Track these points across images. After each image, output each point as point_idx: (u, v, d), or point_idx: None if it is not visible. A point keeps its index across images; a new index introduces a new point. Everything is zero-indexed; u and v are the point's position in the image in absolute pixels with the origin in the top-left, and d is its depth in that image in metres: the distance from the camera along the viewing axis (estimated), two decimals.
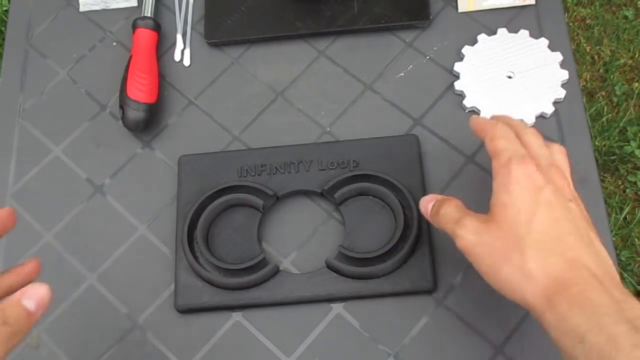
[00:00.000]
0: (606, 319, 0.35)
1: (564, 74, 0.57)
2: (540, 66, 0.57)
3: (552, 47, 0.58)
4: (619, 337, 0.34)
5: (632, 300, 0.37)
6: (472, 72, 0.58)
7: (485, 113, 0.56)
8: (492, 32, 0.60)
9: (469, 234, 0.41)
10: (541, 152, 0.43)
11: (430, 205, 0.46)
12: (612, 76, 1.43)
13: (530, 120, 0.56)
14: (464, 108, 0.57)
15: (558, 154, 0.45)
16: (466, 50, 0.59)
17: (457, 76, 0.59)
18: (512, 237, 0.39)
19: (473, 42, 0.59)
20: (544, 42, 0.58)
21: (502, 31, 0.59)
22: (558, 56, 0.57)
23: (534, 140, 0.44)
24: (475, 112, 0.57)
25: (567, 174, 0.44)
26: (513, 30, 0.59)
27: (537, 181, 0.40)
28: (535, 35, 0.59)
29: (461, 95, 0.58)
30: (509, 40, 0.59)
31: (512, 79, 0.57)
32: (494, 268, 0.40)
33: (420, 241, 0.52)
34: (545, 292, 0.38)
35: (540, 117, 0.56)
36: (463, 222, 0.42)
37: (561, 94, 0.56)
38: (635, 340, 0.34)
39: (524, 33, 0.59)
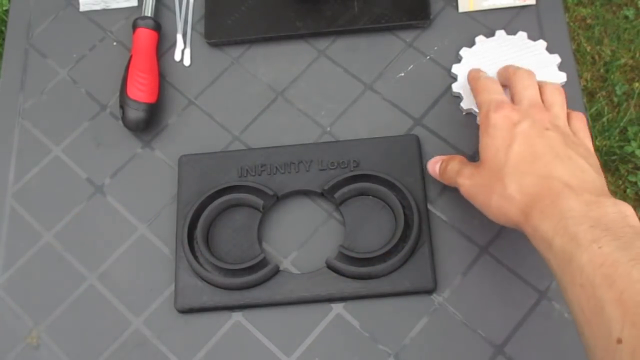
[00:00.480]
0: (570, 221, 0.38)
1: (562, 77, 0.56)
2: (539, 69, 0.56)
3: (550, 49, 0.57)
4: (579, 235, 0.37)
5: (603, 200, 0.39)
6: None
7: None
8: (490, 33, 0.60)
9: (466, 179, 0.47)
10: (525, 93, 0.47)
11: (437, 166, 0.52)
12: (612, 76, 1.43)
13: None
14: (461, 110, 0.57)
15: (550, 91, 0.48)
16: (464, 52, 0.59)
17: (454, 78, 0.58)
18: (495, 171, 0.44)
19: (471, 43, 0.59)
20: (542, 44, 0.58)
21: (500, 33, 0.59)
22: (556, 58, 0.57)
23: (520, 81, 0.48)
24: (472, 114, 0.57)
25: (558, 107, 0.47)
26: (512, 31, 0.59)
27: (513, 119, 0.45)
28: (534, 36, 0.59)
29: (459, 97, 0.58)
30: (507, 42, 0.58)
31: None
32: (486, 202, 0.45)
33: (420, 241, 0.52)
34: (523, 209, 0.42)
35: None
36: (462, 172, 0.48)
37: None
38: (594, 236, 0.36)
39: (522, 35, 0.58)
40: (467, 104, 0.57)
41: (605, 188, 0.42)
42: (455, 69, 0.58)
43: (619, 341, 0.32)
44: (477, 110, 0.56)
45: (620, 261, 0.34)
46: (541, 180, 0.42)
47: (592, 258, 0.35)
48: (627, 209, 0.38)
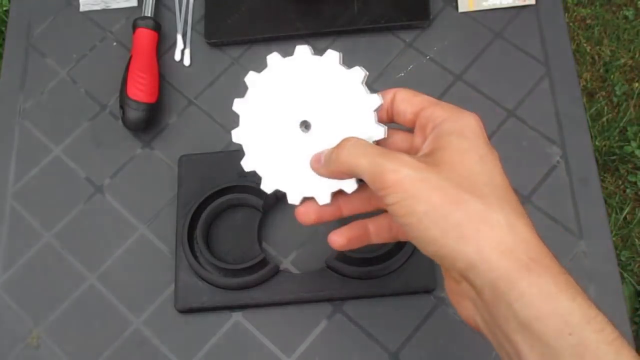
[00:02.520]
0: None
1: (375, 100, 0.37)
2: (340, 98, 0.37)
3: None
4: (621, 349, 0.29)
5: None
6: (255, 117, 0.39)
7: (267, 185, 0.39)
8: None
9: (405, 168, 0.32)
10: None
11: (321, 157, 0.37)
12: (612, 76, 1.43)
13: (323, 199, 0.38)
14: (241, 174, 0.44)
15: None
16: (251, 79, 0.40)
17: (235, 121, 0.40)
18: (470, 183, 0.32)
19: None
20: (358, 74, 0.37)
21: (302, 50, 0.39)
22: (376, 100, 0.37)
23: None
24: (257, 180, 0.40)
25: None
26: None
27: (485, 136, 0.35)
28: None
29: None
30: (309, 68, 0.38)
31: (308, 132, 0.38)
32: (441, 210, 0.31)
33: None
34: (518, 255, 0.30)
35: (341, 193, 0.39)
36: (394, 155, 0.33)
37: (380, 132, 0.37)
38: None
39: (332, 56, 0.38)
40: (248, 164, 0.39)
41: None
42: (237, 105, 0.40)
43: None
44: (283, 190, 0.39)
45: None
46: (532, 234, 0.33)
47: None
48: None
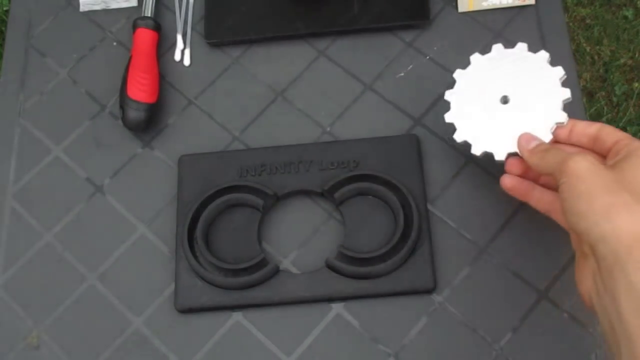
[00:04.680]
0: None
1: (566, 93, 0.48)
2: (539, 86, 0.49)
3: (553, 61, 0.50)
4: None
5: None
6: (463, 101, 0.51)
7: (477, 149, 0.50)
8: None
9: (587, 161, 0.40)
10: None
11: (533, 143, 0.46)
12: (612, 76, 1.43)
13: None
14: (452, 142, 0.51)
15: None
16: (458, 75, 0.52)
17: (449, 107, 0.52)
18: (632, 187, 0.38)
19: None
20: (543, 56, 0.50)
21: (497, 47, 0.52)
22: (560, 72, 0.49)
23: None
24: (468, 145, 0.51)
25: None
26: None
27: None
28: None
29: (452, 127, 0.51)
30: (504, 57, 0.51)
31: (507, 104, 0.50)
32: (598, 192, 0.38)
33: (420, 241, 0.52)
34: (636, 236, 0.36)
35: None
36: (583, 153, 0.41)
37: (562, 117, 0.48)
38: None
39: (521, 47, 0.51)
40: (460, 136, 0.50)
41: None
42: (448, 95, 0.52)
43: None
44: (471, 142, 0.50)
45: None
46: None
47: None
48: None
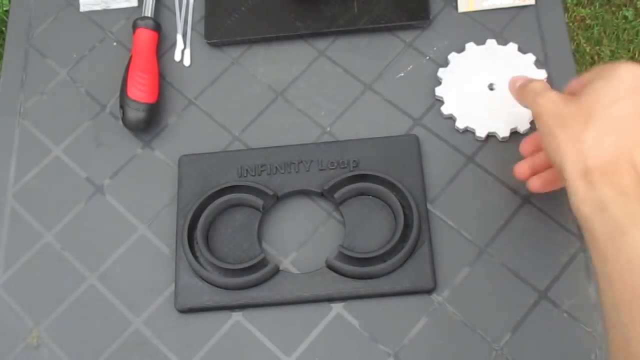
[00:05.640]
0: (632, 199, 0.38)
1: None
2: None
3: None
4: (638, 213, 0.37)
5: None
6: (455, 79, 0.58)
7: (461, 122, 0.56)
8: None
9: (548, 103, 0.43)
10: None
11: (519, 82, 0.49)
12: None
13: (503, 134, 0.55)
14: (441, 114, 0.57)
15: None
16: (452, 56, 0.59)
17: (439, 81, 0.58)
18: (586, 110, 0.41)
19: (462, 49, 0.59)
20: (530, 58, 0.58)
21: (491, 42, 0.59)
22: (542, 74, 0.57)
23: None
24: (451, 119, 0.57)
25: None
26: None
27: (637, 83, 0.41)
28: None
29: (441, 101, 0.58)
30: (496, 51, 0.58)
31: (493, 91, 0.57)
32: (555, 132, 0.42)
33: (420, 241, 0.52)
34: (586, 161, 0.40)
35: (515, 133, 0.56)
36: (547, 94, 0.44)
37: None
38: None
39: (512, 46, 0.58)
40: (447, 109, 0.57)
41: None
42: (441, 72, 0.58)
43: None
44: (456, 116, 0.56)
45: None
46: (623, 148, 0.40)
47: None
48: None
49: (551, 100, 0.44)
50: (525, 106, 0.48)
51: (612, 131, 0.40)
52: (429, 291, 0.52)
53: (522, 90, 0.47)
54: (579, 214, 0.40)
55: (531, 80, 0.47)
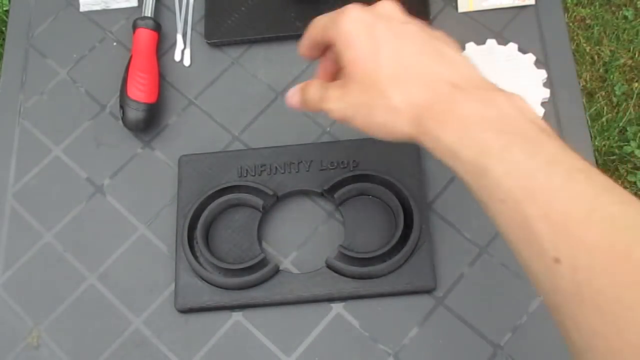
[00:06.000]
0: (474, 128, 0.34)
1: (546, 93, 0.56)
2: (524, 82, 0.57)
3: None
4: (487, 143, 0.34)
5: (494, 95, 0.35)
6: None
7: None
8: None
9: (335, 103, 0.40)
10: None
11: (295, 97, 0.44)
12: (611, 76, 1.43)
13: None
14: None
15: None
16: None
17: None
18: (368, 84, 0.38)
19: (462, 49, 0.59)
20: (530, 58, 0.58)
21: (491, 42, 0.59)
22: (543, 74, 0.57)
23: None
24: None
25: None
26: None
27: (366, 21, 0.39)
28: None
29: None
30: (496, 51, 0.59)
31: None
32: (368, 120, 0.39)
33: (420, 241, 0.52)
34: (414, 120, 0.37)
35: None
36: (327, 96, 0.41)
37: (539, 112, 0.56)
38: (503, 142, 0.33)
39: (512, 46, 0.58)
40: None
41: (487, 80, 0.38)
42: None
43: (557, 261, 0.30)
44: None
45: (537, 169, 0.32)
46: (426, 84, 0.37)
47: (508, 169, 0.32)
48: (519, 100, 0.35)
49: (336, 99, 0.40)
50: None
51: (404, 78, 0.37)
52: (429, 291, 0.52)
53: (307, 105, 0.44)
54: (449, 166, 0.37)
55: (304, 89, 0.44)
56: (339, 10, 0.40)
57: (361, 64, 0.38)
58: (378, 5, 0.40)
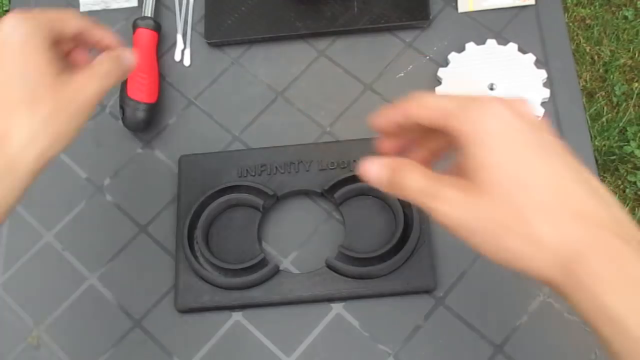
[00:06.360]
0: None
1: (546, 93, 0.57)
2: (524, 82, 0.57)
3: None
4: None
5: None
6: (455, 79, 0.58)
7: None
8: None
9: (455, 209, 0.32)
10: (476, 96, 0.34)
11: (382, 174, 0.36)
12: (611, 76, 1.43)
13: None
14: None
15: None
16: (452, 56, 0.59)
17: (439, 81, 0.59)
18: (509, 203, 0.31)
19: (462, 49, 0.59)
20: (530, 58, 0.58)
21: (491, 42, 0.59)
22: (543, 74, 0.57)
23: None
24: None
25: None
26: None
27: (511, 124, 0.32)
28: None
29: None
30: (496, 51, 0.59)
31: (493, 91, 0.57)
32: (495, 241, 0.32)
33: (420, 241, 0.52)
34: (562, 263, 0.30)
35: None
36: (442, 196, 0.33)
37: (539, 112, 0.56)
38: None
39: (512, 46, 0.58)
40: None
41: (636, 225, 0.32)
42: (442, 72, 0.59)
43: None
44: None
45: None
46: (581, 224, 0.30)
47: None
48: None
49: (456, 206, 0.32)
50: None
51: (555, 208, 0.31)
52: (429, 291, 0.52)
53: (398, 189, 0.35)
54: (590, 327, 0.30)
55: (401, 172, 0.35)
56: (470, 98, 0.33)
57: (503, 176, 0.31)
58: (516, 103, 0.33)
